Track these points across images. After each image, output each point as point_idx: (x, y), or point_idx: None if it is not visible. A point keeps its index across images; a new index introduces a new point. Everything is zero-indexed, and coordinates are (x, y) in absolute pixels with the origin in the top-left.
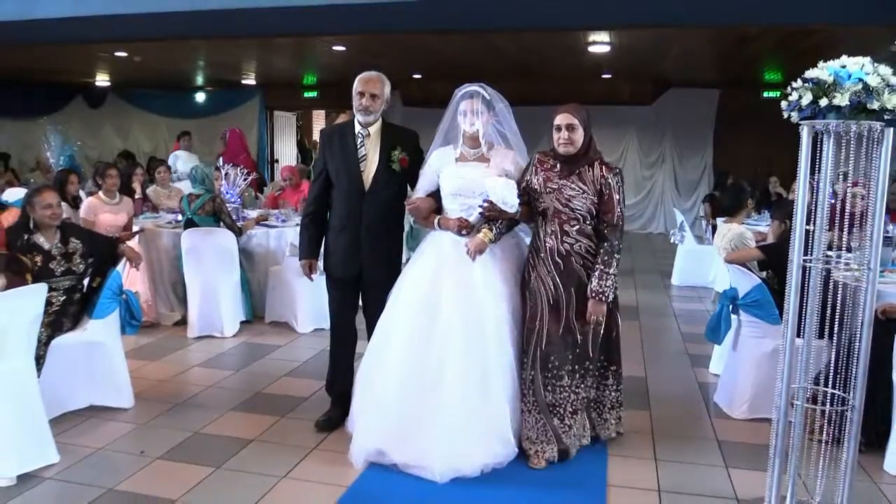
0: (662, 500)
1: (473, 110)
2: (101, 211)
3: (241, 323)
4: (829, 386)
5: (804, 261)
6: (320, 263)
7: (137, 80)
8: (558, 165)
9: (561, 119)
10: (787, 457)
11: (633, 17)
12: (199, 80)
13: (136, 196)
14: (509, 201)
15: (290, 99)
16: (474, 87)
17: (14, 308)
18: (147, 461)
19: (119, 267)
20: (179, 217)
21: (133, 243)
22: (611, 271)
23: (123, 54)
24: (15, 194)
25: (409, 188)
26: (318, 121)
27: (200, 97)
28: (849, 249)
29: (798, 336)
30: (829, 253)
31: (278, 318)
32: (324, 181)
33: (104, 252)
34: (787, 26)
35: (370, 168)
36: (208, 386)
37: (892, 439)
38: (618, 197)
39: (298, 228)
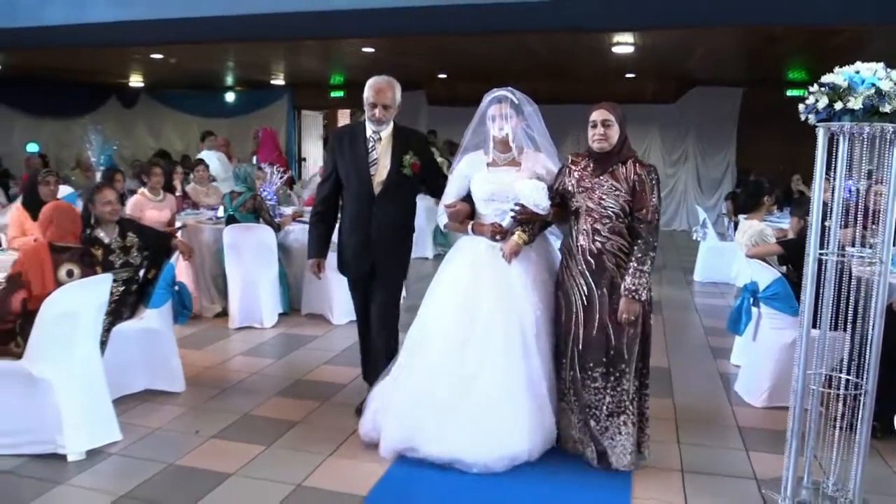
0: (685, 480)
1: (502, 115)
2: (147, 207)
3: (279, 315)
4: (845, 373)
5: (820, 254)
6: (332, 261)
7: (170, 80)
8: (591, 164)
9: (597, 115)
10: (803, 440)
11: (658, 19)
12: (229, 80)
13: (177, 193)
14: (540, 203)
15: (317, 98)
16: (503, 92)
17: (85, 296)
18: (202, 440)
19: (172, 259)
20: (220, 213)
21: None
22: (645, 269)
23: (160, 56)
24: (62, 191)
25: (421, 189)
26: (344, 119)
27: (230, 97)
28: (868, 245)
29: (814, 327)
30: (848, 248)
31: (314, 311)
32: (334, 183)
33: (159, 245)
34: (815, 26)
35: (381, 172)
36: (252, 373)
37: None
38: (653, 194)
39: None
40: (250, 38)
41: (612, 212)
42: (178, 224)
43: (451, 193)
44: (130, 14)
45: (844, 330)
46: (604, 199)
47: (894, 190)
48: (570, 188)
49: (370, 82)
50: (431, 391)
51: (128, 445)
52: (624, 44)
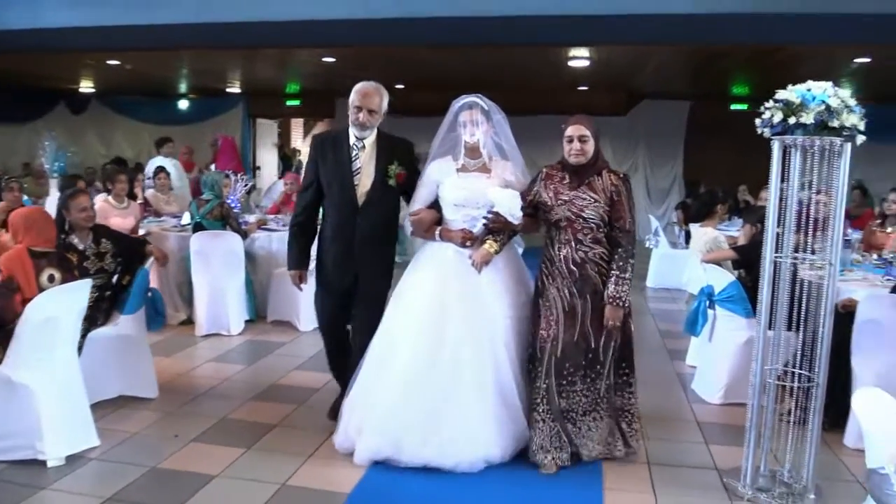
0: (652, 472)
1: (473, 121)
2: (112, 215)
3: (246, 322)
4: (798, 368)
5: (775, 257)
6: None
7: (122, 87)
8: (567, 177)
9: (573, 130)
10: (760, 432)
11: (614, 35)
12: (183, 87)
13: (138, 201)
14: (515, 213)
15: (272, 107)
16: (473, 98)
17: (65, 301)
18: (182, 443)
19: (147, 265)
20: (184, 220)
21: None
22: (626, 276)
23: (116, 62)
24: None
25: (403, 200)
26: (297, 128)
27: (184, 104)
28: (813, 252)
29: (770, 328)
30: (797, 253)
31: (280, 318)
32: (315, 191)
33: (132, 252)
34: (756, 45)
35: (365, 182)
36: (224, 379)
37: (851, 418)
38: (628, 203)
39: (288, 237)
40: (212, 46)
41: (593, 223)
42: (141, 231)
43: (420, 199)
44: (89, 20)
45: (796, 330)
46: (584, 211)
47: (841, 199)
48: (547, 200)
49: (357, 87)
50: (405, 404)
51: (107, 450)
52: (580, 58)
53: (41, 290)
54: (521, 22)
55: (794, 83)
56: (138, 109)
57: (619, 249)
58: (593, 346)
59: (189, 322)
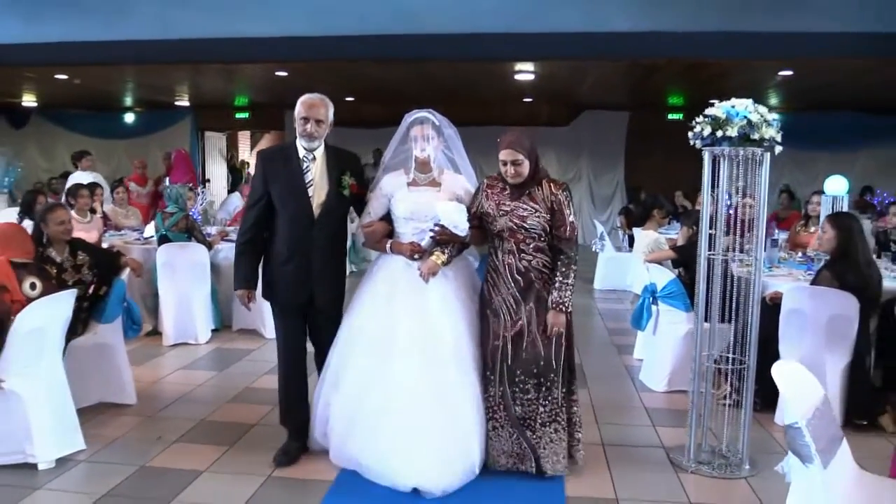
0: (606, 451)
1: (424, 136)
2: (76, 229)
3: (212, 331)
4: (731, 352)
5: (709, 255)
6: (258, 292)
7: (66, 100)
8: (508, 188)
9: (505, 155)
10: (701, 413)
11: (557, 51)
12: (129, 101)
13: (97, 215)
14: (460, 225)
15: (221, 120)
16: (424, 114)
17: (52, 311)
18: (167, 444)
19: (123, 276)
20: (147, 233)
21: None
22: (569, 282)
23: (64, 77)
24: None
25: (353, 211)
26: (244, 141)
27: (130, 117)
28: (742, 250)
29: (706, 320)
30: (727, 252)
31: (246, 326)
32: (264, 207)
33: (108, 263)
34: (687, 59)
35: (319, 194)
36: (198, 385)
37: (780, 399)
38: (568, 211)
39: (234, 256)
40: (168, 61)
41: (535, 232)
42: (104, 245)
43: (373, 212)
44: (43, 35)
45: (729, 321)
46: (525, 221)
47: (764, 201)
48: (489, 211)
49: (302, 98)
50: (354, 419)
51: (94, 453)
52: (525, 72)
53: (25, 297)
54: (469, 39)
55: (725, 94)
56: (82, 123)
57: (562, 256)
58: (543, 353)
59: (155, 333)
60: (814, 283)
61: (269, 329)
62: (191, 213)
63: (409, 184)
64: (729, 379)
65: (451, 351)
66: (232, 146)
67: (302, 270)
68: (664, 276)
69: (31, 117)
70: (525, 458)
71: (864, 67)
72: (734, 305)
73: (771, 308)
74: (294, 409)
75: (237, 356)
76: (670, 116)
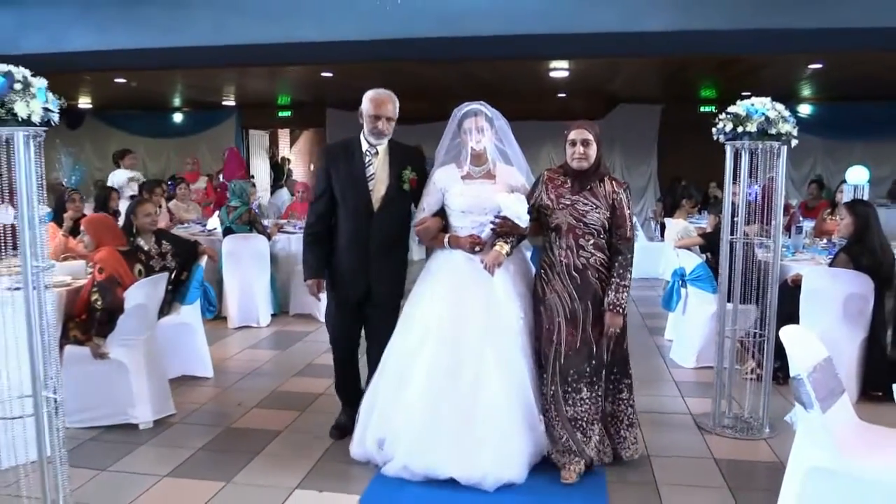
0: (640, 418)
1: (479, 128)
2: None
3: (271, 315)
4: (756, 329)
5: (731, 238)
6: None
7: (119, 101)
8: (569, 182)
9: (576, 134)
10: (724, 382)
11: (592, 50)
12: (178, 101)
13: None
14: (522, 216)
15: (264, 118)
16: (476, 106)
17: (151, 291)
18: (246, 409)
19: (201, 262)
20: (210, 226)
21: None
22: (626, 283)
23: (122, 80)
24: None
25: (413, 206)
26: (284, 138)
27: (178, 117)
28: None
29: (729, 300)
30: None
31: (301, 311)
32: (328, 200)
33: (189, 251)
34: (720, 55)
35: (379, 188)
36: (265, 361)
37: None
38: (629, 211)
39: (302, 247)
40: (225, 65)
41: (594, 228)
42: None
43: (427, 207)
44: (110, 43)
45: (752, 302)
46: (586, 216)
47: (781, 190)
48: (549, 203)
49: (370, 95)
50: (430, 421)
51: (184, 416)
52: (559, 69)
53: (136, 280)
54: (508, 40)
55: (757, 86)
56: (133, 123)
57: (619, 257)
58: (596, 352)
59: (219, 317)
60: (831, 265)
61: (323, 313)
62: (252, 207)
63: (463, 177)
64: (754, 355)
65: (519, 347)
66: (272, 143)
67: (359, 263)
68: (692, 261)
69: (86, 118)
70: (575, 457)
71: (892, 61)
72: (757, 285)
73: (793, 289)
74: (350, 387)
75: (296, 337)
76: (702, 109)
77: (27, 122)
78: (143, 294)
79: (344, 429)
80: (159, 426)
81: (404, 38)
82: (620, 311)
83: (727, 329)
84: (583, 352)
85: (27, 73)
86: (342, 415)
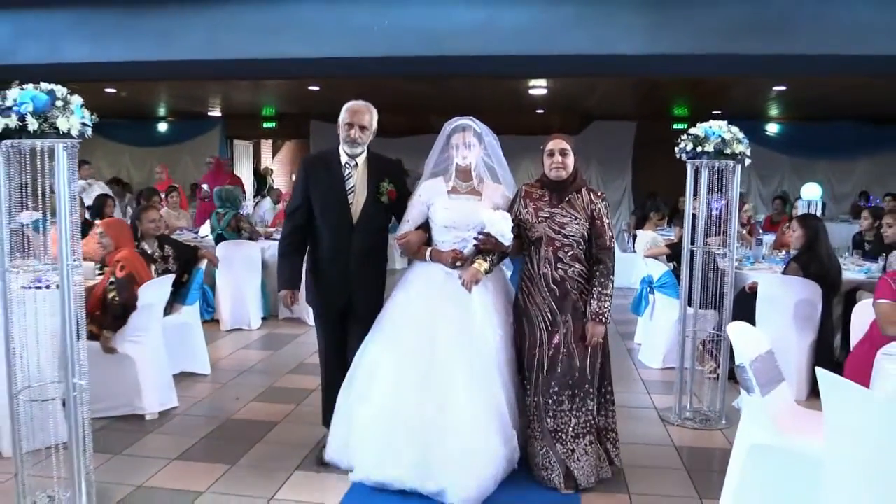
0: None
1: (466, 143)
2: None
3: (261, 319)
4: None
5: (691, 247)
6: (301, 295)
7: (105, 110)
8: (547, 194)
9: (554, 144)
10: (686, 380)
11: (569, 70)
12: (163, 111)
13: None
14: (506, 234)
15: (249, 128)
16: (465, 121)
17: (158, 291)
18: (244, 403)
19: (201, 266)
20: (202, 233)
21: None
22: (608, 293)
23: (112, 90)
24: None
25: (393, 219)
26: (267, 149)
27: (163, 127)
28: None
29: (690, 305)
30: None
31: (290, 315)
32: (305, 212)
33: (189, 255)
34: (690, 77)
35: (359, 200)
36: (259, 360)
37: None
38: (607, 221)
39: (277, 258)
40: (218, 78)
41: (573, 240)
42: None
43: (411, 220)
44: (105, 55)
45: (713, 307)
46: (564, 228)
47: (735, 204)
48: (528, 217)
49: (347, 105)
50: (393, 429)
51: (187, 408)
52: (538, 87)
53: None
54: (487, 60)
55: (726, 105)
56: (119, 132)
57: (601, 266)
58: (578, 364)
59: (211, 320)
60: (784, 272)
61: (311, 317)
62: (241, 212)
63: (448, 191)
64: (714, 356)
65: (494, 360)
66: (255, 154)
67: (341, 276)
68: (659, 269)
69: None
70: (553, 471)
71: (852, 83)
72: (716, 292)
73: (750, 295)
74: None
75: (286, 339)
76: (676, 126)
77: (66, 135)
78: (152, 294)
79: None
80: (164, 417)
81: (391, 56)
82: (603, 320)
83: (688, 331)
84: (565, 363)
85: (65, 91)
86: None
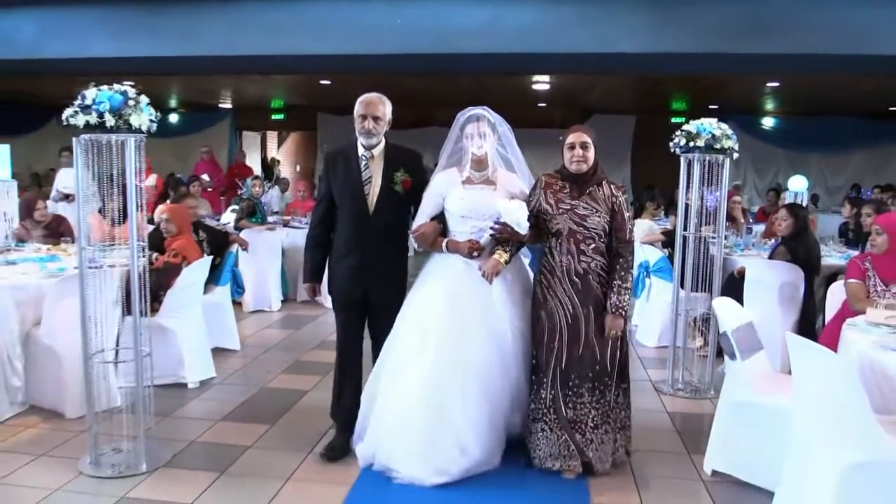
0: None
1: (480, 133)
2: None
3: (280, 301)
4: (707, 310)
5: (683, 233)
6: (324, 287)
7: None
8: (568, 186)
9: (574, 137)
10: (679, 356)
11: (571, 67)
12: (174, 102)
13: None
14: (522, 223)
15: (257, 120)
16: (479, 111)
17: (200, 271)
18: (276, 374)
19: (232, 249)
20: (224, 220)
21: None
22: (627, 285)
23: (130, 84)
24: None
25: (412, 210)
26: (272, 140)
27: (174, 118)
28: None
29: (682, 287)
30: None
31: (308, 298)
32: (328, 204)
33: (221, 240)
34: (688, 74)
35: (374, 191)
36: (283, 338)
37: None
38: (628, 214)
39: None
40: (235, 73)
41: (594, 233)
42: None
43: (426, 211)
44: (128, 50)
45: (704, 290)
46: (586, 220)
47: (724, 195)
48: (548, 208)
49: (361, 98)
50: (418, 418)
51: (223, 379)
52: (542, 82)
53: None
54: (495, 57)
55: (723, 100)
56: None
57: (620, 259)
58: (599, 357)
59: (235, 303)
60: (771, 256)
61: (329, 300)
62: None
63: (463, 182)
64: (703, 333)
65: (511, 350)
66: (262, 145)
67: (358, 266)
68: (655, 255)
69: None
70: (572, 458)
71: (844, 80)
72: (707, 274)
73: (738, 279)
74: (346, 404)
75: (306, 320)
76: (674, 119)
77: (137, 131)
78: (194, 274)
79: (338, 451)
80: (204, 386)
81: (402, 54)
82: (622, 313)
83: (681, 311)
84: (585, 356)
85: (134, 91)
86: (336, 438)
